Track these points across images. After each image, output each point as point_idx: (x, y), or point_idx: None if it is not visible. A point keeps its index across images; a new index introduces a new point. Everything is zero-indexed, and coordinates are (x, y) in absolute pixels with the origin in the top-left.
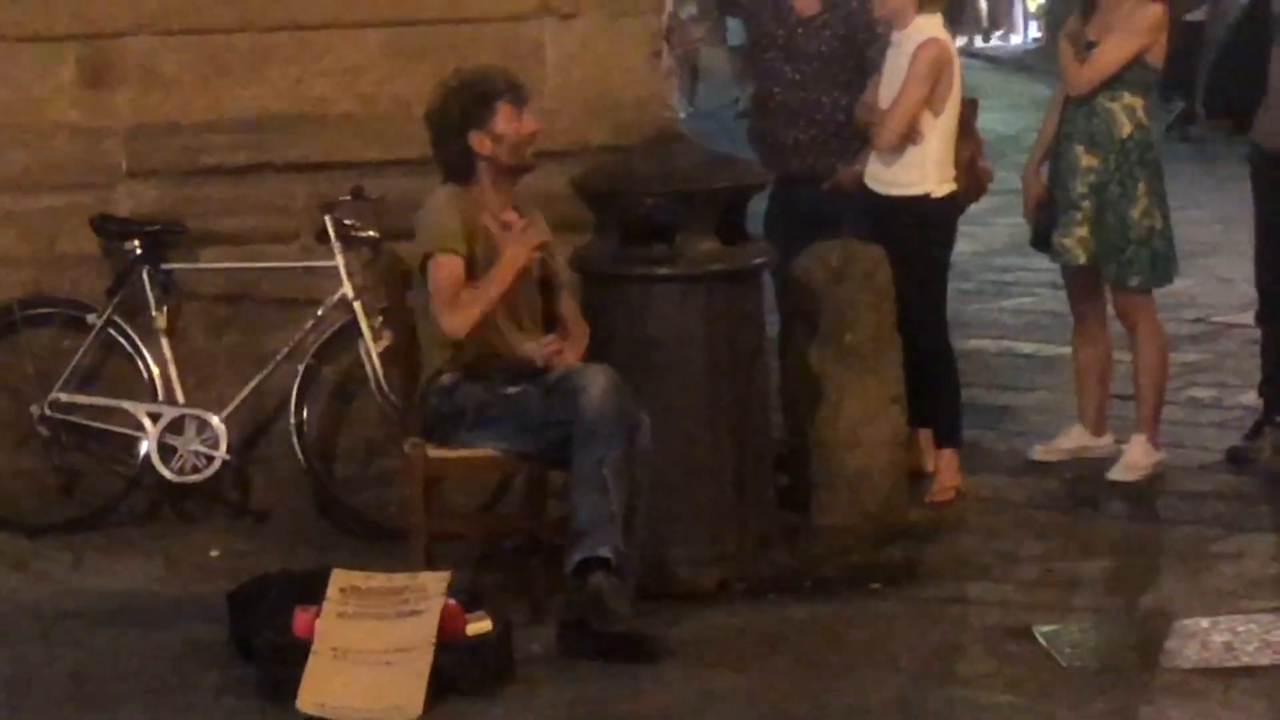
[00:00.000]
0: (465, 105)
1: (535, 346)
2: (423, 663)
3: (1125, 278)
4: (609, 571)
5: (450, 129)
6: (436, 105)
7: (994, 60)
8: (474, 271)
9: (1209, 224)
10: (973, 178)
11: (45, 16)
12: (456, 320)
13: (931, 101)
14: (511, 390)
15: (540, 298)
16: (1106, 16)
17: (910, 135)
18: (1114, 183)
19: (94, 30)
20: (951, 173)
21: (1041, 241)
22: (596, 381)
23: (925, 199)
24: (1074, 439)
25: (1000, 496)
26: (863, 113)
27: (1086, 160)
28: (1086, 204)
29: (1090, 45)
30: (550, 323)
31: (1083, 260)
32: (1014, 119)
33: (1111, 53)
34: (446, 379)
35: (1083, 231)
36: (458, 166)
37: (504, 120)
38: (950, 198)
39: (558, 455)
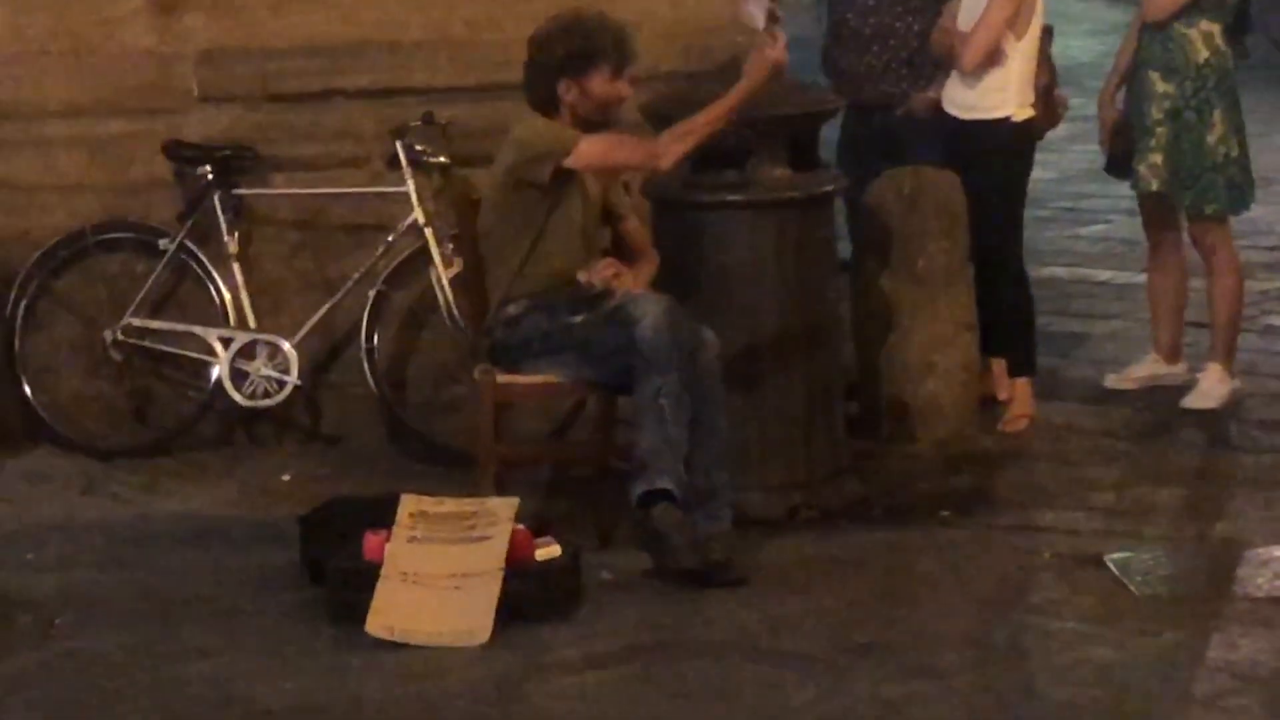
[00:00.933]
0: (568, 50)
1: (590, 272)
2: (491, 588)
3: (1200, 205)
4: (672, 503)
5: (546, 67)
6: (540, 37)
7: None
8: (548, 200)
9: None
10: (1048, 106)
11: None
12: (671, 152)
13: (1014, 24)
14: (575, 319)
15: (607, 227)
16: None
17: (993, 57)
18: (1189, 109)
19: None
20: (1031, 97)
21: (1116, 168)
22: (649, 310)
23: (1006, 122)
24: (1148, 367)
25: (1073, 425)
26: (941, 37)
27: (1162, 86)
28: (1161, 130)
29: None
30: (618, 251)
31: (1156, 187)
32: (1093, 44)
33: None
34: (512, 309)
35: (1157, 158)
36: (542, 100)
37: (599, 80)
38: (1029, 122)
39: (623, 382)
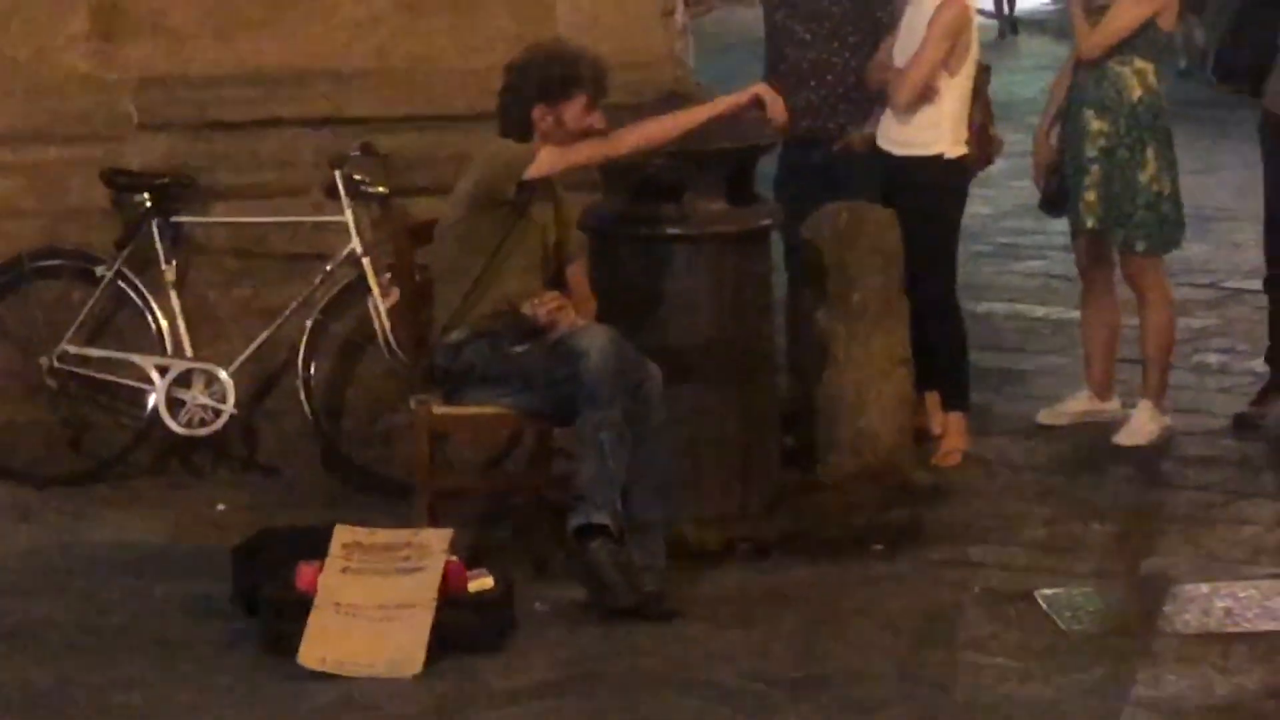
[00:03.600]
0: (544, 77)
1: (535, 304)
2: (424, 619)
3: (1132, 242)
4: (607, 538)
5: (522, 93)
6: (518, 63)
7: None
8: (504, 224)
9: (1222, 189)
10: (983, 143)
11: None
12: (626, 142)
13: (949, 62)
14: (518, 349)
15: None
16: None
17: (926, 94)
18: (1123, 147)
19: None
20: (965, 134)
21: (1051, 205)
22: (595, 343)
23: (939, 159)
24: (1081, 403)
25: (1006, 460)
26: (876, 72)
27: (1096, 124)
28: (1096, 168)
29: (1102, 9)
30: (559, 286)
31: (1091, 225)
32: (1035, 80)
33: (1122, 17)
34: (455, 335)
35: (1092, 196)
36: (515, 126)
37: (575, 109)
38: (962, 159)
39: (563, 413)
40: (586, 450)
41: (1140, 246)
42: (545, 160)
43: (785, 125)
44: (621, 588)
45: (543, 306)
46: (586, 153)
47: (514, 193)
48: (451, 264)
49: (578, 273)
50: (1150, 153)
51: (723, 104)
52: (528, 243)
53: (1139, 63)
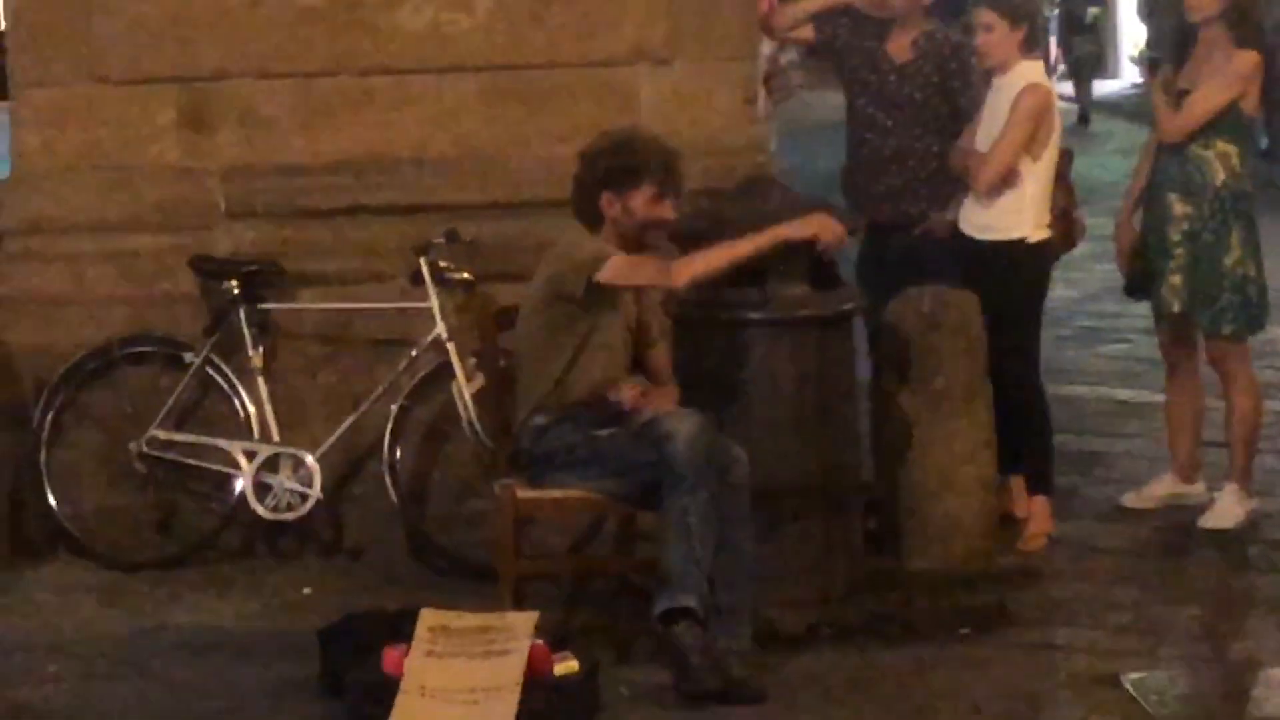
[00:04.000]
0: (612, 165)
1: (620, 389)
2: (509, 703)
3: (1219, 325)
4: (693, 622)
5: (590, 181)
6: (589, 151)
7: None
8: (584, 314)
9: None
10: (1066, 227)
11: (149, 59)
12: (684, 273)
13: (1031, 146)
14: (603, 433)
15: (635, 346)
16: (1200, 64)
17: (1008, 179)
18: (1207, 230)
19: (195, 73)
20: (1047, 218)
21: (1134, 289)
22: (684, 427)
23: (1020, 244)
24: (1166, 486)
25: (1091, 543)
26: (958, 158)
27: (1180, 208)
28: (1180, 251)
29: (1183, 93)
30: (642, 370)
31: (1177, 308)
32: (1115, 164)
33: (1205, 101)
34: (539, 420)
35: (1176, 280)
36: (586, 214)
37: (642, 199)
38: (1045, 243)
39: (648, 497)
40: (673, 534)
41: (1226, 330)
42: (610, 272)
43: (840, 244)
44: (706, 672)
45: (628, 392)
46: (649, 277)
47: (584, 291)
48: (533, 351)
49: (660, 356)
50: (1235, 236)
51: (781, 233)
52: (609, 330)
53: (1222, 145)
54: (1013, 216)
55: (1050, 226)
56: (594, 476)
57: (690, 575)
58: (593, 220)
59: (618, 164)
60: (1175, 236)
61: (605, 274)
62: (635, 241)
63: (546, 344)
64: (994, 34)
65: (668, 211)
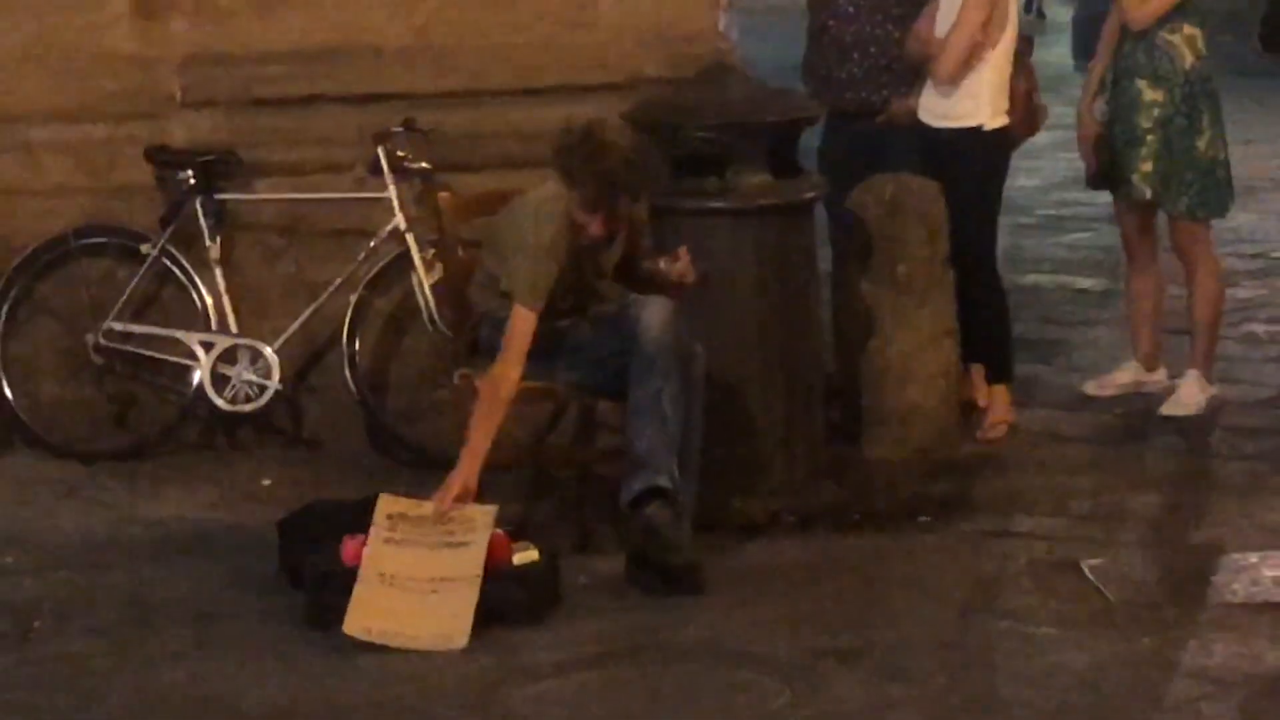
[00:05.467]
0: (558, 163)
1: (669, 261)
2: (469, 594)
3: (1194, 210)
4: (665, 501)
5: (560, 164)
6: (562, 143)
7: None
8: (562, 281)
9: (1268, 159)
10: (1028, 113)
11: None
12: (509, 374)
13: (988, 31)
14: (563, 323)
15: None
16: None
17: (965, 65)
18: (1179, 115)
19: None
20: (1005, 105)
21: (1098, 180)
22: (656, 314)
23: (978, 131)
24: (1128, 374)
25: (1052, 431)
26: (914, 44)
27: (1150, 94)
28: (1152, 138)
29: None
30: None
31: (1149, 195)
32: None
33: None
34: (501, 311)
35: (1148, 167)
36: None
37: (584, 213)
38: (1004, 131)
39: (611, 387)
40: (646, 418)
41: (1200, 213)
42: (512, 317)
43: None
44: (678, 546)
45: (674, 264)
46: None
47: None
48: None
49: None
50: (1205, 120)
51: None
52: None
53: (1189, 29)
54: (969, 103)
55: (1010, 113)
56: (556, 367)
57: (663, 456)
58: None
59: (559, 163)
60: (1146, 124)
61: (510, 323)
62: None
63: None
64: None
65: (595, 228)
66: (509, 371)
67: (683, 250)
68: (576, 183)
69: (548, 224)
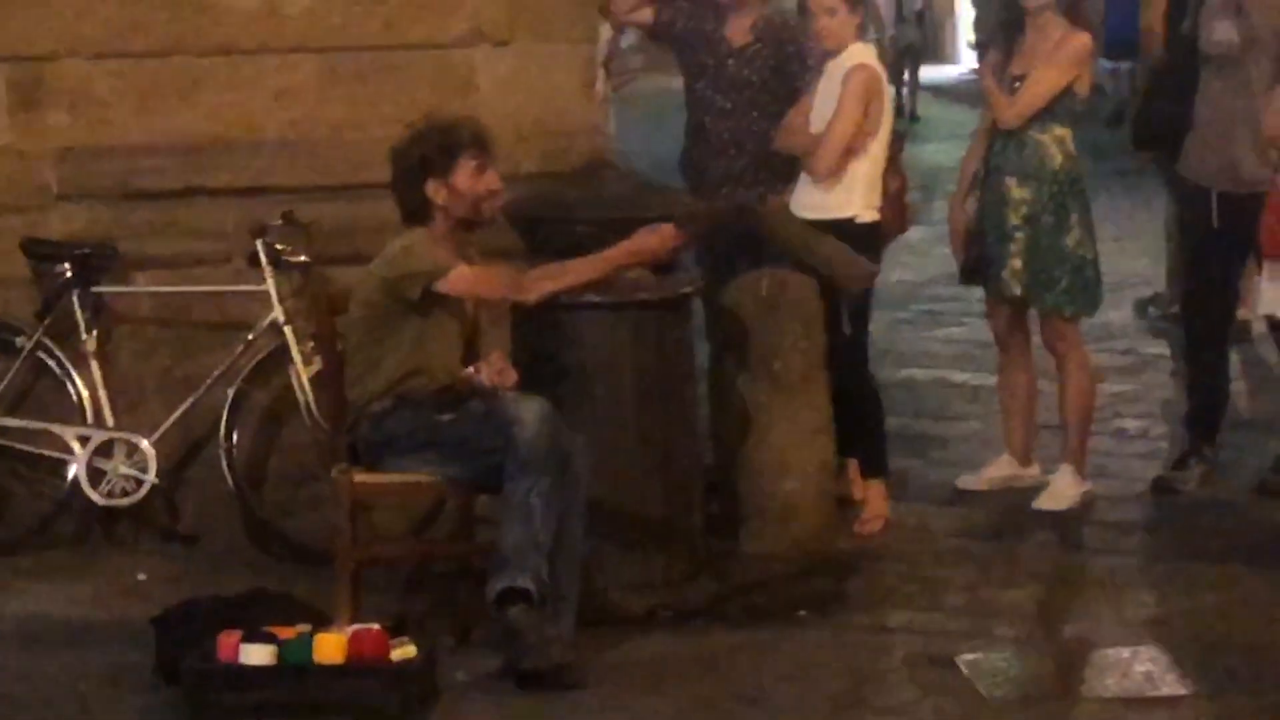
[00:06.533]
0: (427, 152)
1: (484, 367)
2: None
3: (1061, 307)
4: (529, 604)
5: (410, 173)
6: (400, 147)
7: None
8: (417, 316)
9: (1139, 256)
10: (898, 211)
11: None
12: (537, 289)
13: (864, 124)
14: (443, 417)
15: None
16: (1034, 48)
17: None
18: (1047, 213)
19: (26, 52)
20: (877, 201)
21: (970, 275)
22: (530, 412)
23: (850, 223)
24: (1001, 468)
25: (927, 526)
26: (785, 137)
27: (1019, 192)
28: (1020, 235)
29: (1018, 78)
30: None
31: (1018, 292)
32: (953, 149)
33: (1041, 85)
34: (377, 405)
35: (1018, 263)
36: (414, 210)
37: (464, 175)
38: (875, 225)
39: (489, 481)
40: (515, 515)
41: (1067, 311)
42: (453, 283)
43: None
44: (539, 650)
45: (489, 370)
46: (500, 290)
47: (419, 296)
48: (370, 340)
49: (503, 335)
50: (1074, 218)
51: (630, 249)
52: (446, 324)
53: (1058, 129)
54: (842, 195)
55: (882, 211)
56: (434, 461)
57: (529, 557)
58: (423, 215)
59: (431, 148)
60: (1014, 220)
61: (452, 285)
62: (468, 224)
63: (380, 333)
64: (836, 17)
65: (494, 181)
66: (530, 294)
67: (496, 354)
68: (458, 148)
69: (419, 234)
